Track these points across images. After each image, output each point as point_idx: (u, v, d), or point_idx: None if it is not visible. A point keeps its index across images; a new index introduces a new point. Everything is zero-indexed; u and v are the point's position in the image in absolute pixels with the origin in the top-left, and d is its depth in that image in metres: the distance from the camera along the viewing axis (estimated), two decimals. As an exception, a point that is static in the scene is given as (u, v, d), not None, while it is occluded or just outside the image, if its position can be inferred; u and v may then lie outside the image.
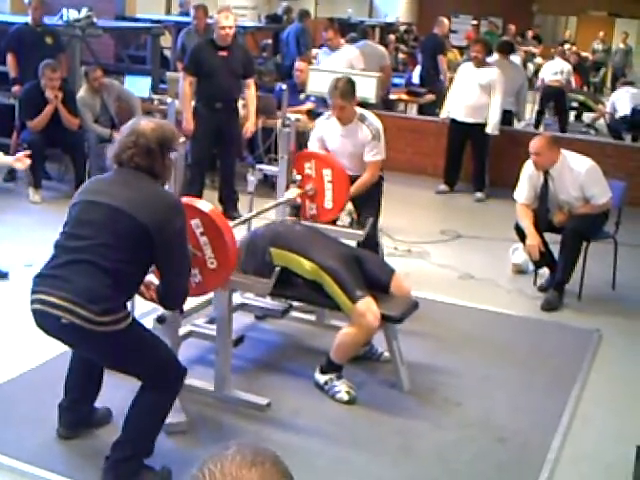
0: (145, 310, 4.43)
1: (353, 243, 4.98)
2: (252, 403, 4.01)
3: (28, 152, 5.13)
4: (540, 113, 12.61)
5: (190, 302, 4.46)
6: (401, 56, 15.24)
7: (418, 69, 12.30)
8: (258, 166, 5.47)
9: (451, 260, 6.51)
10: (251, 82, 7.23)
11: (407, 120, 10.33)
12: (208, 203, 3.79)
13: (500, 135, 8.46)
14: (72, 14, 8.74)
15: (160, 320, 3.98)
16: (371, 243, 5.13)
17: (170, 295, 3.43)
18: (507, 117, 9.11)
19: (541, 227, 5.68)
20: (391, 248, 6.62)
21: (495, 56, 9.30)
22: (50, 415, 3.71)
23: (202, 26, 9.40)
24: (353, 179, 5.28)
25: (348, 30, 11.73)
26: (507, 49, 9.76)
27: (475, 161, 8.69)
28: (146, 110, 8.23)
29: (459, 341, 4.99)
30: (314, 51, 10.79)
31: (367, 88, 6.82)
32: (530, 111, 12.08)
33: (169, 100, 4.46)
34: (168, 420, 3.75)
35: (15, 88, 8.13)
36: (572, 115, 13.74)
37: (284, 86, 5.87)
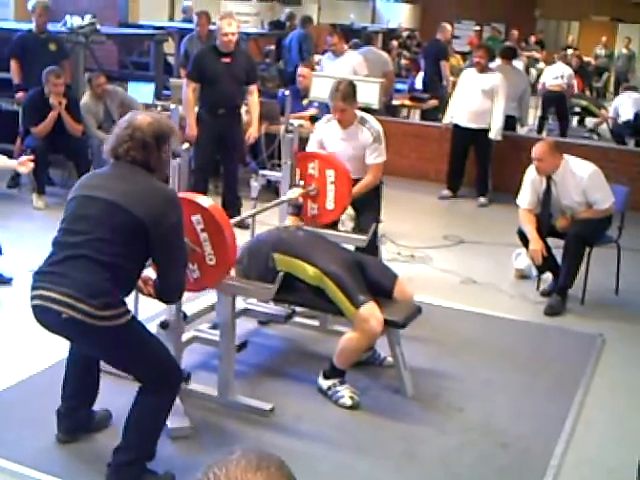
0: (149, 315, 4.45)
1: (352, 248, 4.98)
2: (255, 408, 4.02)
3: (31, 156, 5.14)
4: (542, 118, 12.62)
5: (193, 308, 4.48)
6: (404, 62, 15.26)
7: (421, 75, 12.31)
8: (261, 172, 5.49)
9: (454, 265, 6.52)
10: (254, 88, 7.24)
11: (410, 125, 10.36)
12: (209, 199, 3.79)
13: (503, 140, 8.48)
14: (76, 21, 8.76)
15: (163, 325, 3.99)
16: (371, 248, 5.13)
17: (167, 288, 3.43)
18: (510, 122, 9.12)
19: (544, 232, 5.69)
20: (394, 253, 6.62)
21: (498, 61, 9.33)
22: (51, 420, 3.71)
23: (205, 33, 9.43)
24: (353, 182, 5.29)
25: (351, 36, 11.75)
26: (510, 54, 9.79)
27: (478, 166, 8.71)
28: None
29: (462, 346, 5.00)
30: (317, 57, 10.81)
31: (370, 94, 6.83)
32: (533, 116, 12.10)
33: (172, 106, 4.47)
34: (171, 425, 3.78)
35: (19, 95, 8.16)
36: (575, 120, 13.75)
37: (287, 92, 5.88)
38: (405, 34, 19.07)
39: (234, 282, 4.00)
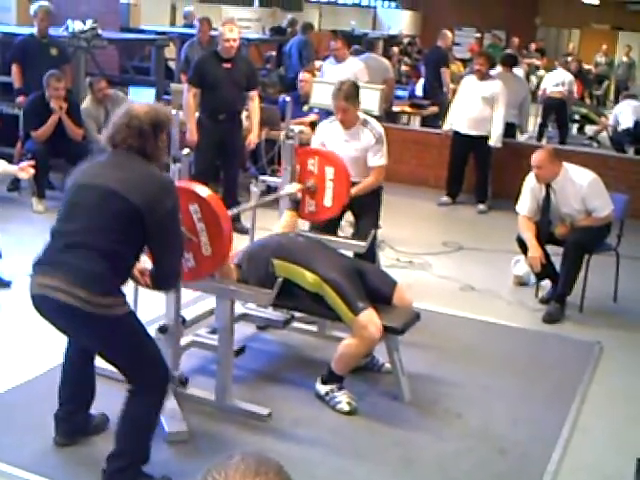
0: (149, 319, 4.45)
1: (350, 254, 4.99)
2: (253, 413, 4.02)
3: (32, 162, 5.15)
4: (542, 126, 12.64)
5: (192, 312, 4.49)
6: (404, 68, 15.28)
7: (421, 82, 12.33)
8: (261, 177, 5.50)
9: (453, 272, 6.53)
10: (255, 94, 7.26)
11: (410, 132, 10.37)
12: (208, 189, 3.78)
13: (503, 148, 8.49)
14: (77, 25, 8.78)
15: (162, 330, 4.00)
16: (368, 253, 5.14)
17: (162, 276, 3.42)
18: (510, 130, 9.14)
19: (543, 239, 5.70)
20: (393, 259, 6.63)
21: (498, 69, 9.35)
22: (50, 423, 3.71)
23: (206, 39, 9.46)
24: (354, 185, 5.30)
25: (352, 42, 11.77)
26: (510, 62, 9.81)
27: (478, 173, 8.72)
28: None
29: (460, 352, 5.00)
30: (317, 63, 10.82)
31: (371, 100, 6.84)
32: (533, 124, 12.11)
33: (173, 111, 4.48)
34: (169, 429, 3.79)
35: (19, 99, 8.17)
36: (575, 128, 13.77)
37: (288, 98, 5.89)
38: (406, 41, 19.11)
39: (233, 287, 4.01)
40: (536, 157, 5.70)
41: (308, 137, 7.21)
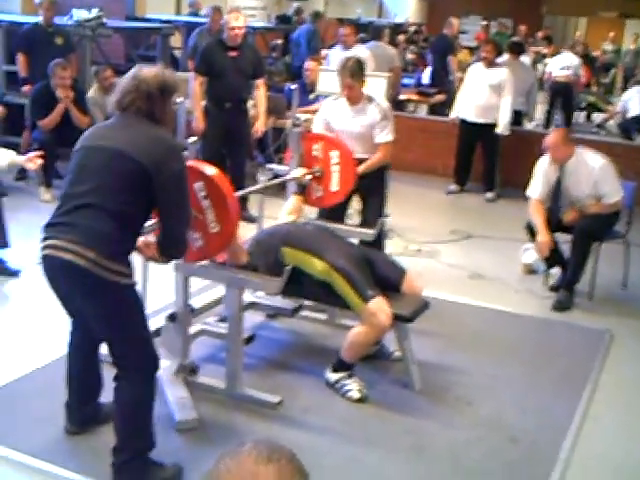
0: (157, 307, 4.46)
1: (356, 241, 4.97)
2: (263, 401, 4.01)
3: (40, 152, 5.13)
4: (550, 112, 12.56)
5: (201, 301, 4.48)
6: (410, 57, 15.23)
7: (429, 70, 12.28)
8: (268, 166, 5.48)
9: (461, 260, 6.51)
10: (261, 82, 7.23)
11: (417, 120, 10.33)
12: (213, 167, 3.75)
13: (510, 135, 8.45)
14: (82, 14, 8.76)
15: (171, 318, 4.00)
16: (376, 241, 5.11)
17: (169, 242, 3.36)
18: (517, 117, 9.11)
19: (552, 226, 5.67)
20: (401, 248, 6.61)
21: (505, 56, 9.31)
22: (58, 412, 3.72)
23: (216, 28, 9.43)
24: (360, 162, 5.26)
25: (358, 31, 11.73)
26: (517, 49, 9.76)
27: (485, 161, 8.69)
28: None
29: (469, 340, 4.99)
30: (324, 52, 10.78)
31: (377, 88, 6.81)
32: (540, 111, 12.05)
33: (179, 100, 4.46)
34: (179, 418, 3.78)
35: (25, 88, 8.16)
36: (582, 115, 13.70)
37: (294, 86, 5.86)
38: (412, 29, 19.04)
39: (242, 275, 3.99)
40: (550, 138, 5.71)
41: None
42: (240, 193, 4.51)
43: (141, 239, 3.41)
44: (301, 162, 5.03)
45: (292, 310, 4.72)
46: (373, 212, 5.42)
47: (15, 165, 5.39)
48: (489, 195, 8.62)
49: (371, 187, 5.39)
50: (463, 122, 8.62)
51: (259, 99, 7.26)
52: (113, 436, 3.34)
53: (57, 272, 3.21)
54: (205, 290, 4.81)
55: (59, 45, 8.30)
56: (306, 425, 3.89)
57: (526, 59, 12.10)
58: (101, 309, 3.26)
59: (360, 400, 4.12)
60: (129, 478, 3.33)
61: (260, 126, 7.31)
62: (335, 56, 8.77)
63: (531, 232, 5.78)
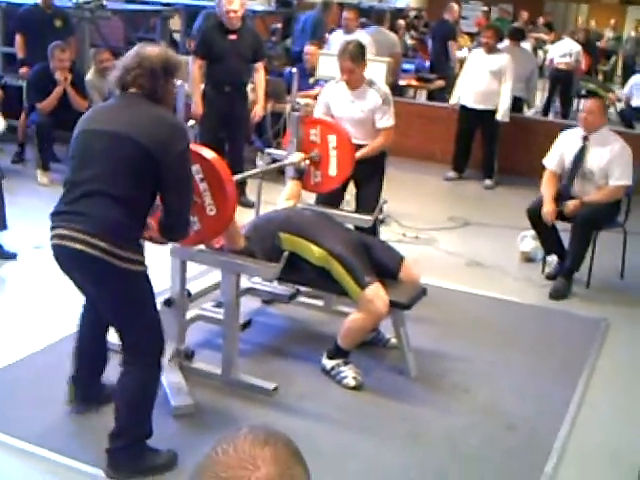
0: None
1: (351, 227, 4.95)
2: (259, 387, 4.01)
3: None
4: (549, 99, 12.51)
5: (198, 286, 4.47)
6: (410, 42, 15.16)
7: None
8: (267, 150, 5.46)
9: (459, 247, 6.50)
10: (260, 66, 7.19)
11: (416, 106, 10.29)
12: (211, 151, 3.73)
13: (510, 122, 8.41)
14: (82, -4, 8.72)
15: (168, 303, 3.99)
16: (370, 226, 5.10)
17: (173, 223, 3.34)
18: (517, 104, 9.08)
19: (560, 203, 5.72)
20: (399, 234, 6.60)
21: (506, 42, 9.27)
22: (56, 396, 3.72)
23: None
24: (360, 148, 5.23)
25: (360, 15, 11.66)
26: (518, 36, 9.73)
27: (485, 148, 8.66)
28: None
29: (466, 328, 4.98)
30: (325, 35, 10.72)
31: (376, 73, 6.78)
32: (539, 98, 12.01)
33: (179, 82, 4.43)
34: (174, 403, 3.78)
35: (22, 69, 8.13)
36: (581, 103, 13.61)
37: (294, 70, 5.83)
38: (412, 14, 18.96)
39: (239, 260, 3.98)
40: (589, 103, 5.88)
41: (314, 110, 7.18)
42: (238, 177, 4.49)
43: None
44: (299, 147, 5.00)
45: (289, 296, 4.71)
46: (370, 198, 5.40)
47: None
48: (488, 182, 8.60)
49: (368, 173, 5.37)
50: (463, 108, 8.59)
51: (258, 83, 7.22)
52: (111, 420, 3.34)
53: (68, 261, 3.22)
54: (202, 275, 4.80)
55: (58, 27, 8.25)
56: (302, 412, 3.88)
57: (527, 45, 12.05)
58: (112, 296, 3.28)
59: (356, 387, 4.11)
60: (124, 464, 3.33)
61: (259, 110, 7.28)
62: (336, 40, 8.73)
63: (531, 218, 5.79)
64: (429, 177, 8.82)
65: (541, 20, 18.80)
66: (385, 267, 4.27)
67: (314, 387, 4.13)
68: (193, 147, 3.69)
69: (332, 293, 4.54)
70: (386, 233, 6.25)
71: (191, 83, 6.86)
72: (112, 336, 3.56)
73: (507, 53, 8.49)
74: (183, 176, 3.26)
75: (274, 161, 5.16)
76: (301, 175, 4.96)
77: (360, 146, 5.24)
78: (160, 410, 3.63)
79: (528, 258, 6.28)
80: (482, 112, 8.37)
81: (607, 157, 5.63)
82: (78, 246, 3.09)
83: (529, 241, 6.22)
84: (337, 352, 4.19)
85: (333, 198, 5.29)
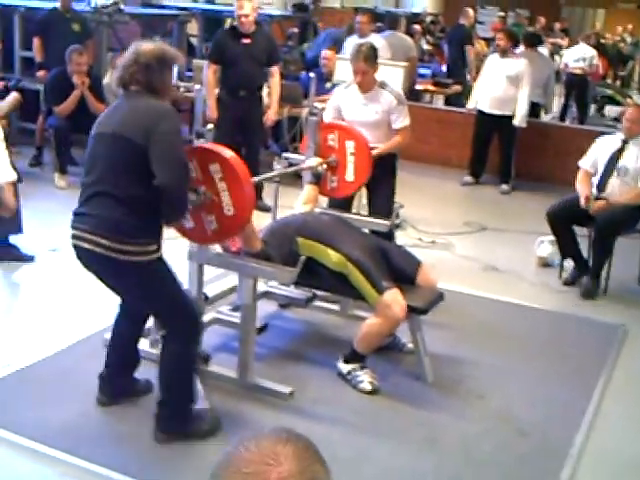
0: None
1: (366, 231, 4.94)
2: (275, 391, 4.01)
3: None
4: (565, 105, 12.46)
5: (214, 289, 4.48)
6: (426, 47, 15.13)
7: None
8: (284, 155, 5.46)
9: (475, 252, 6.48)
10: (275, 70, 7.19)
11: (433, 111, 10.28)
12: (230, 151, 3.74)
13: (527, 128, 8.38)
14: (99, 0, 8.75)
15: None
16: (386, 231, 5.10)
17: (167, 204, 3.35)
18: (534, 109, 9.05)
19: (573, 217, 5.76)
20: (415, 239, 6.59)
21: (521, 48, 9.25)
22: (74, 397, 3.74)
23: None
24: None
25: (374, 19, 11.65)
26: (532, 41, 9.69)
27: (501, 153, 8.63)
28: (171, 97, 8.21)
29: (483, 333, 4.96)
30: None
31: (393, 78, 6.77)
32: (556, 104, 11.96)
33: (197, 87, 4.46)
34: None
35: (40, 73, 8.17)
36: (592, 108, 13.53)
37: (312, 74, 5.84)
38: (429, 19, 18.93)
39: (256, 264, 3.98)
40: (631, 113, 5.93)
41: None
42: (254, 179, 4.49)
43: None
44: (317, 151, 5.00)
45: (305, 300, 4.70)
46: (383, 202, 5.41)
47: None
48: (504, 187, 8.57)
49: (380, 176, 5.28)
50: (480, 113, 8.57)
51: (273, 87, 7.22)
52: (132, 419, 3.50)
53: (84, 260, 3.41)
54: (219, 278, 4.81)
55: (76, 31, 8.29)
56: (317, 416, 3.88)
57: (544, 51, 12.01)
58: (130, 288, 3.48)
59: (372, 392, 4.10)
60: (170, 429, 3.54)
61: (271, 114, 7.25)
62: (351, 45, 8.73)
63: (551, 221, 5.81)
64: (446, 182, 8.80)
65: (557, 25, 18.72)
66: (402, 272, 4.26)
67: (330, 391, 4.13)
68: (212, 146, 3.72)
69: (349, 298, 4.54)
70: (402, 238, 6.24)
71: (206, 88, 6.88)
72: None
73: (524, 58, 8.47)
74: (170, 152, 3.31)
75: (291, 165, 5.16)
76: (318, 180, 4.95)
77: (373, 149, 5.24)
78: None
79: (545, 263, 6.25)
80: (499, 117, 8.34)
81: None
82: (87, 245, 3.31)
83: (546, 246, 6.20)
84: (353, 356, 4.18)
85: (344, 201, 5.29)
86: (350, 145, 5.00)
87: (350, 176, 5.04)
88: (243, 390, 4.02)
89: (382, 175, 5.35)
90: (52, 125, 7.49)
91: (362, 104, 5.33)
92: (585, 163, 5.97)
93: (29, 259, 5.57)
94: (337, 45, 10.57)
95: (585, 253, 5.88)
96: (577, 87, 12.08)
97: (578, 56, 12.15)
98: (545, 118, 10.09)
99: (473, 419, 3.98)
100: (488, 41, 14.81)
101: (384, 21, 11.41)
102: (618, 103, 13.05)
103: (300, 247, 4.17)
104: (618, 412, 4.19)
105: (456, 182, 8.75)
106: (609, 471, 3.71)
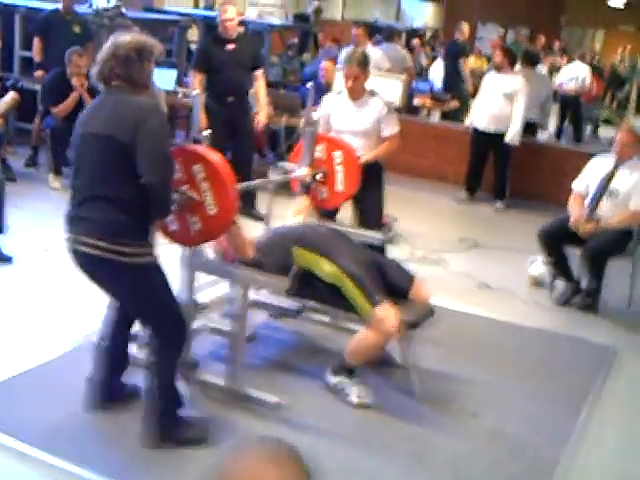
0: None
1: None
2: (263, 401, 3.98)
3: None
4: (561, 125, 12.49)
5: (205, 297, 4.46)
6: (425, 62, 15.14)
7: (438, 66, 12.23)
8: (279, 163, 5.45)
9: (468, 269, 6.47)
10: (259, 73, 7.12)
11: (430, 126, 10.29)
12: (213, 151, 3.73)
13: (522, 147, 8.39)
14: (101, 3, 8.76)
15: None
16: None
17: (153, 202, 3.34)
18: (532, 128, 9.07)
19: (564, 237, 5.79)
20: (408, 254, 6.57)
21: (519, 66, 9.27)
22: (63, 400, 3.75)
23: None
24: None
25: (374, 33, 11.69)
26: (530, 59, 9.71)
27: (496, 170, 8.63)
28: (170, 103, 8.21)
29: (474, 350, 4.95)
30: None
31: (392, 91, 6.79)
32: (553, 123, 11.99)
33: (194, 92, 4.44)
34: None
35: (38, 73, 8.15)
36: (588, 129, 13.55)
37: (309, 85, 5.84)
38: (429, 34, 19.00)
39: (248, 272, 3.97)
40: (622, 136, 5.92)
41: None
42: (244, 185, 4.47)
43: None
44: (311, 162, 4.99)
45: (296, 311, 4.69)
46: (373, 214, 5.41)
47: None
48: (498, 204, 8.57)
49: (368, 188, 5.26)
50: (476, 130, 8.57)
51: (259, 90, 7.15)
52: (121, 422, 3.50)
53: (79, 263, 3.39)
54: (210, 286, 4.79)
55: (77, 33, 8.29)
56: (305, 427, 3.85)
57: (543, 69, 12.05)
58: (125, 291, 3.45)
59: (359, 405, 4.08)
60: (158, 434, 3.51)
61: (262, 117, 7.20)
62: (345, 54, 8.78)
63: (543, 241, 5.83)
64: (441, 198, 8.79)
65: (557, 45, 18.79)
66: (396, 286, 4.24)
67: (318, 403, 4.11)
68: (195, 147, 3.70)
69: (343, 310, 4.51)
70: (395, 252, 6.22)
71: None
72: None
73: (521, 76, 8.48)
74: (156, 150, 3.30)
75: (286, 174, 5.14)
76: (307, 190, 4.95)
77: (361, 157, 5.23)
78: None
79: (537, 282, 6.25)
80: (495, 135, 8.35)
81: (635, 180, 5.72)
82: (82, 248, 3.29)
83: (538, 265, 6.20)
84: (343, 369, 4.16)
85: (331, 213, 5.28)
86: (337, 155, 4.99)
87: (340, 186, 5.04)
88: (231, 399, 4.00)
89: (370, 186, 5.33)
90: (49, 126, 7.47)
91: (353, 112, 5.34)
92: (578, 185, 5.99)
93: (7, 259, 5.48)
94: (336, 58, 10.62)
95: (577, 273, 5.89)
96: (571, 106, 12.12)
97: (571, 75, 12.18)
98: (541, 137, 10.11)
99: (464, 437, 3.95)
100: (489, 59, 14.85)
101: (381, 34, 11.41)
102: (611, 123, 13.09)
103: (296, 258, 4.14)
104: (606, 432, 4.19)
105: (452, 198, 8.75)
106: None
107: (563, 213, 5.92)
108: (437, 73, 12.11)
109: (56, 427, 3.65)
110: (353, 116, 5.34)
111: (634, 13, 21.03)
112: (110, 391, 3.80)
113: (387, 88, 5.81)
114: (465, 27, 11.74)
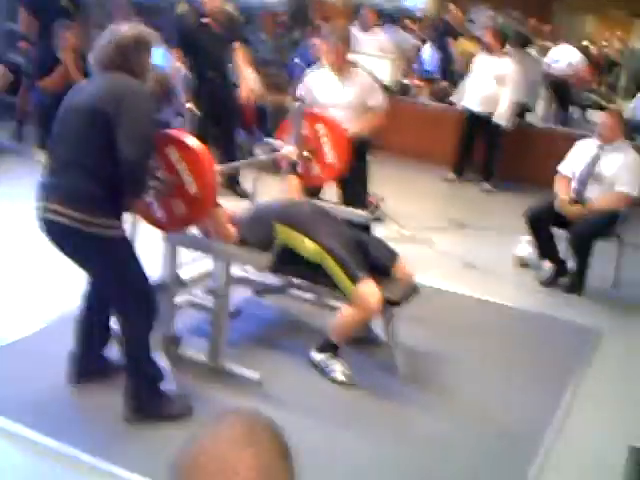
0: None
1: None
2: (245, 377, 3.97)
3: None
4: (549, 106, 12.42)
5: (188, 272, 4.42)
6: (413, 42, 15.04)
7: (429, 52, 12.18)
8: (266, 140, 5.41)
9: (455, 249, 6.46)
10: (237, 45, 6.98)
11: (418, 106, 10.23)
12: (182, 132, 3.72)
13: (513, 128, 8.37)
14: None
15: (158, 288, 3.94)
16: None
17: (127, 179, 3.30)
18: (523, 110, 9.06)
19: (552, 219, 5.78)
20: (395, 233, 6.55)
21: (509, 47, 9.23)
22: (46, 374, 3.71)
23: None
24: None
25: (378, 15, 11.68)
26: (519, 40, 9.69)
27: (485, 152, 8.62)
28: (158, 80, 8.12)
29: (459, 330, 4.95)
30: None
31: (382, 71, 6.74)
32: (542, 105, 11.94)
33: (176, 65, 4.40)
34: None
35: (22, 44, 8.04)
36: (578, 112, 13.49)
37: (297, 59, 5.78)
38: (421, 16, 18.87)
39: (230, 248, 3.94)
40: (605, 119, 5.96)
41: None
42: (227, 166, 4.42)
43: None
44: (299, 138, 4.95)
45: (280, 287, 4.67)
46: (358, 191, 5.39)
47: None
48: (485, 185, 8.55)
49: (352, 166, 5.17)
50: (467, 111, 8.54)
51: (237, 63, 6.99)
52: (103, 397, 3.51)
53: (51, 233, 3.35)
54: (194, 262, 4.76)
55: (65, 7, 8.17)
56: (287, 403, 3.84)
57: (533, 52, 11.99)
58: (90, 263, 3.41)
59: (343, 382, 4.08)
60: (139, 408, 3.51)
61: (244, 91, 6.99)
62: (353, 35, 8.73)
63: (529, 222, 5.82)
64: (428, 177, 8.77)
65: (547, 28, 18.72)
66: (379, 264, 4.23)
67: (301, 379, 4.10)
68: (164, 132, 3.65)
69: (325, 287, 4.48)
70: (382, 231, 6.20)
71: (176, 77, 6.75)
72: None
73: (512, 57, 8.45)
74: (134, 124, 3.26)
75: (274, 151, 5.10)
76: (294, 169, 4.91)
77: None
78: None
79: (523, 263, 6.25)
80: (485, 116, 8.32)
81: (619, 163, 5.73)
82: (55, 217, 3.26)
83: (524, 246, 6.19)
84: (327, 346, 4.15)
85: (316, 189, 5.25)
86: (320, 127, 4.94)
87: (331, 158, 4.99)
88: (214, 374, 3.98)
89: (355, 166, 5.25)
90: (37, 100, 7.39)
91: (337, 86, 5.30)
92: (564, 168, 5.99)
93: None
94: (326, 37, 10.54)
95: (563, 255, 5.89)
96: (558, 88, 12.06)
97: (558, 57, 12.13)
98: (530, 117, 10.08)
99: (444, 415, 3.96)
100: (481, 42, 14.77)
101: (382, 17, 11.40)
102: (603, 108, 13.04)
103: (278, 233, 4.12)
104: (589, 412, 4.20)
105: (438, 178, 8.73)
106: (576, 468, 3.70)
107: (550, 195, 5.91)
108: (427, 54, 12.06)
109: (37, 402, 3.62)
110: (338, 90, 5.30)
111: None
112: (92, 365, 3.78)
113: (376, 68, 5.75)
114: (452, 8, 11.75)
